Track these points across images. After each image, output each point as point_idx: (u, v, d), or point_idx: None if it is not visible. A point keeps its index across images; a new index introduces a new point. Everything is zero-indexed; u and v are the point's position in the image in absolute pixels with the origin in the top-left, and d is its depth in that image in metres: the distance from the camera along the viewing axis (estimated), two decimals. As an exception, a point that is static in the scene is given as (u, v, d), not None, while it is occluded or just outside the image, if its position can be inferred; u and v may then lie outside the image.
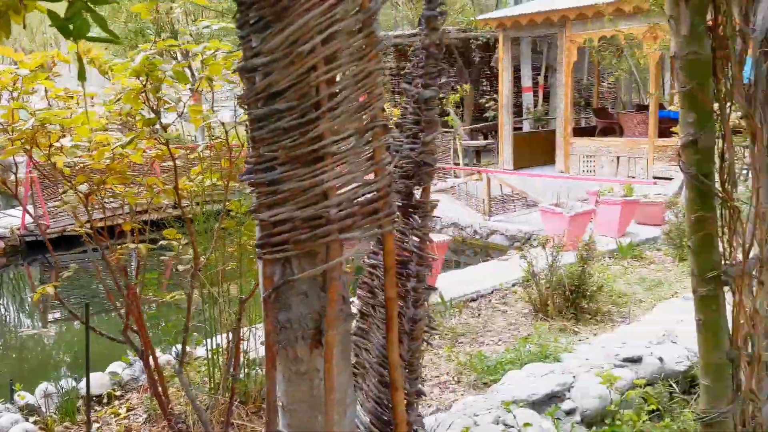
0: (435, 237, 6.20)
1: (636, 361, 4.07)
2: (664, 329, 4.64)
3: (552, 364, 4.13)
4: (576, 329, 5.05)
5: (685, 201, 2.28)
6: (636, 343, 4.41)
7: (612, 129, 12.90)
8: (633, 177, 10.72)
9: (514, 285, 6.02)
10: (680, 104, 2.25)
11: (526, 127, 15.31)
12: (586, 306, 5.27)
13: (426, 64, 1.43)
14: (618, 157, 11.33)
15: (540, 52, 16.62)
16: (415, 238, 1.52)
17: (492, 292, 6.01)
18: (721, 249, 2.31)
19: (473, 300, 5.83)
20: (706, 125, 2.20)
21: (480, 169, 12.17)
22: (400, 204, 1.58)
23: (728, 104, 2.30)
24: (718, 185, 2.23)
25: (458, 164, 13.15)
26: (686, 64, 2.18)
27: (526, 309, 5.50)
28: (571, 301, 5.22)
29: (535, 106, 15.90)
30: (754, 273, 2.42)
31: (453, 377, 4.19)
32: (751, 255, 2.35)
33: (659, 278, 6.33)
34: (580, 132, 13.34)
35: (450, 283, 6.20)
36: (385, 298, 1.47)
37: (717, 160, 2.27)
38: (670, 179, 9.86)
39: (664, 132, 10.46)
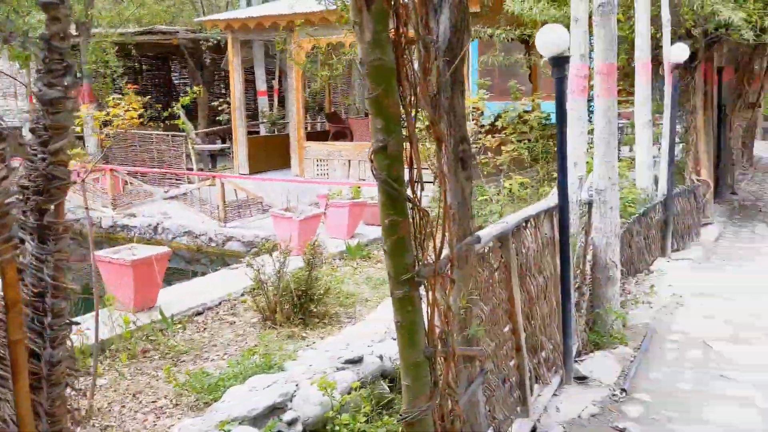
0: (154, 249, 5.82)
1: (357, 362, 4.14)
2: (386, 327, 4.81)
3: (276, 374, 4.04)
4: (304, 334, 5.04)
5: (379, 205, 2.29)
6: (359, 343, 4.50)
7: (344, 133, 13.34)
8: (363, 179, 11.15)
9: (243, 294, 5.86)
10: (369, 110, 2.25)
11: (263, 131, 15.26)
12: (314, 310, 5.30)
13: (50, 59, 1.21)
14: (349, 161, 11.74)
15: (273, 56, 16.68)
16: (50, 265, 1.28)
17: (220, 303, 5.79)
18: (415, 251, 2.35)
19: (200, 313, 5.56)
20: (394, 131, 2.21)
21: (213, 174, 11.83)
22: (35, 225, 1.33)
23: (414, 111, 2.35)
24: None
25: (192, 169, 12.66)
26: (372, 70, 2.17)
27: (255, 318, 5.38)
28: (300, 306, 5.21)
29: (271, 109, 15.91)
30: (446, 272, 2.52)
31: (171, 400, 3.92)
32: (442, 255, 2.44)
33: (384, 276, 6.59)
34: (314, 136, 13.61)
35: (176, 297, 5.87)
36: (8, 340, 1.21)
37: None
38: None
39: (389, 136, 10.98)
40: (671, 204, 7.49)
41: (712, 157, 9.63)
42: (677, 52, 7.06)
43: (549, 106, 10.69)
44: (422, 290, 2.35)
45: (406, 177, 2.22)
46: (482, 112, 9.64)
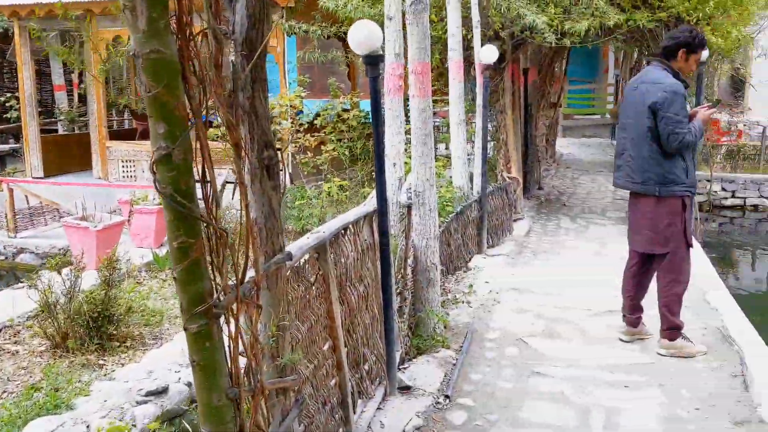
0: None
1: (161, 392, 3.69)
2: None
3: (64, 414, 3.49)
4: (102, 362, 4.46)
5: (166, 225, 1.91)
6: (165, 369, 4.05)
7: (154, 132, 12.44)
8: (176, 181, 10.42)
9: (28, 318, 5.11)
10: (148, 112, 1.87)
11: (62, 129, 13.90)
12: (114, 332, 4.72)
13: None
14: (160, 161, 10.92)
15: (72, 46, 15.24)
16: None
17: (1, 330, 5.00)
18: (212, 276, 2.01)
19: (-26, 344, 4.76)
20: (182, 136, 1.85)
21: (1, 178, 10.52)
22: None
23: (205, 112, 2.00)
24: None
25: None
26: (149, 64, 1.80)
27: (43, 346, 4.69)
28: (96, 329, 4.61)
29: (70, 106, 14.53)
30: (251, 297, 2.20)
31: (-73, 460, 3.23)
32: (246, 278, 2.13)
33: (198, 288, 6.10)
34: (120, 135, 12.59)
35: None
36: None
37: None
38: (211, 182, 9.83)
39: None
40: (486, 201, 7.68)
41: (521, 155, 10.09)
42: (487, 53, 7.22)
43: (369, 105, 10.64)
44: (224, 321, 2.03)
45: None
46: (301, 111, 9.37)
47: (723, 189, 13.68)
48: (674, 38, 4.65)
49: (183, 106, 1.81)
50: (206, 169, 1.94)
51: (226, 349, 2.02)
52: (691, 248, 4.75)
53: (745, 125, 15.06)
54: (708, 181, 12.88)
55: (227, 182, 8.53)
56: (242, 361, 2.14)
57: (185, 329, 1.95)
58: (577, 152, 18.30)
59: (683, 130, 4.47)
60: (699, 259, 7.02)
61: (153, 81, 1.76)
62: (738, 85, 18.55)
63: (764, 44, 12.53)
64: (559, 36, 8.14)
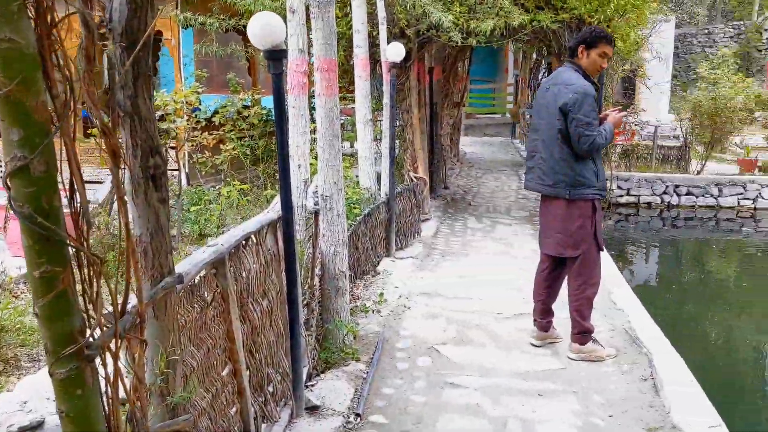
0: None
1: (36, 428, 3.26)
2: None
3: None
4: (-32, 391, 3.94)
5: (24, 251, 1.57)
6: (41, 396, 3.59)
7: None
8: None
9: None
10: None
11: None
12: (-17, 356, 4.20)
13: None
14: (44, 160, 10.12)
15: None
16: None
17: None
18: (84, 310, 1.67)
19: None
20: (42, 144, 1.52)
21: None
22: None
23: (72, 115, 1.66)
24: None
25: None
26: (-2, 56, 1.46)
27: None
28: (-38, 354, 4.08)
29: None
30: (134, 331, 1.88)
31: None
32: (128, 309, 1.81)
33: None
34: (-1, 131, 11.60)
35: None
36: None
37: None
38: (101, 182, 9.19)
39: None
40: (394, 203, 7.50)
41: (427, 154, 9.99)
42: (394, 51, 7.03)
43: (271, 101, 10.24)
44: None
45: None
46: (198, 107, 8.88)
47: (619, 187, 14.17)
48: (576, 38, 4.67)
49: (44, 107, 1.48)
50: (75, 181, 1.61)
51: (103, 394, 1.70)
52: (601, 251, 4.73)
53: (637, 125, 15.66)
54: (606, 179, 13.28)
55: (118, 184, 7.92)
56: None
57: (51, 375, 1.62)
58: (479, 151, 18.54)
59: (593, 132, 4.42)
60: (603, 257, 7.11)
61: (4, 76, 1.43)
62: (632, 86, 19.31)
63: (657, 47, 13.03)
64: (464, 35, 8.07)
